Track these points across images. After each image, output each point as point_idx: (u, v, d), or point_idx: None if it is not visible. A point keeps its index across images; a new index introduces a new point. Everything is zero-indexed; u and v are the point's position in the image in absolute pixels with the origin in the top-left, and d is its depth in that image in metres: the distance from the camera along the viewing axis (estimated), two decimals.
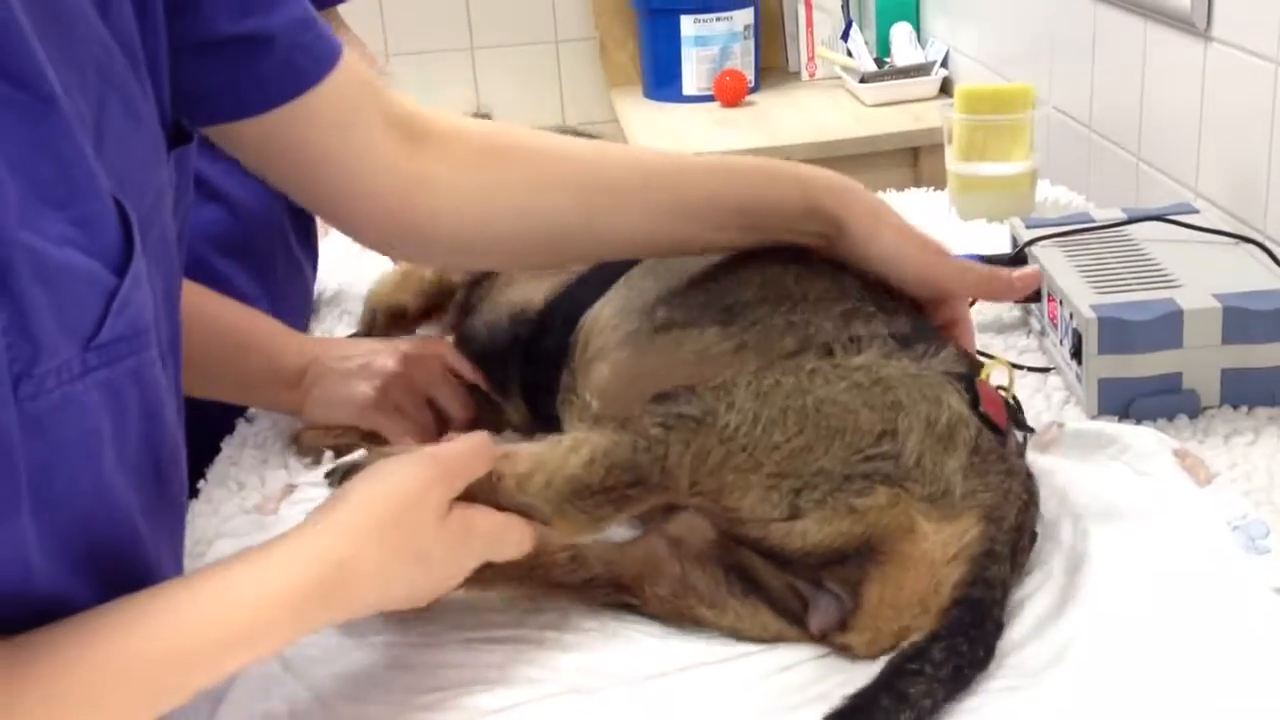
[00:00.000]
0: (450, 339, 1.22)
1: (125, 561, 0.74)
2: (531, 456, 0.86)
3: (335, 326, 1.46)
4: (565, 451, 0.85)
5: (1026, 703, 0.79)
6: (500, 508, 0.85)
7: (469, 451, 0.85)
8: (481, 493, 0.85)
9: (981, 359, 1.01)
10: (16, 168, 0.63)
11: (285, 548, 0.75)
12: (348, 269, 1.61)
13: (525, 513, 0.85)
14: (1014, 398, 1.00)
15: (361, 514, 0.77)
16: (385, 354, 1.16)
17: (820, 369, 0.87)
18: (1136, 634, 0.83)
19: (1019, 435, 0.95)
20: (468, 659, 0.88)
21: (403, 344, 1.18)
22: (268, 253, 1.35)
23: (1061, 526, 0.94)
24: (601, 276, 1.09)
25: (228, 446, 1.20)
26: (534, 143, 1.00)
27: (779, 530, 0.84)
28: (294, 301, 1.42)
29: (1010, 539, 0.86)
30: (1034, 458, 1.04)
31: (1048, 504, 0.96)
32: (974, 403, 0.89)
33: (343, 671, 0.87)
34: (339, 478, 0.89)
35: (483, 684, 0.85)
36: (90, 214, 0.67)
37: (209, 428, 1.16)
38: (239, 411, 1.25)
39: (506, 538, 0.85)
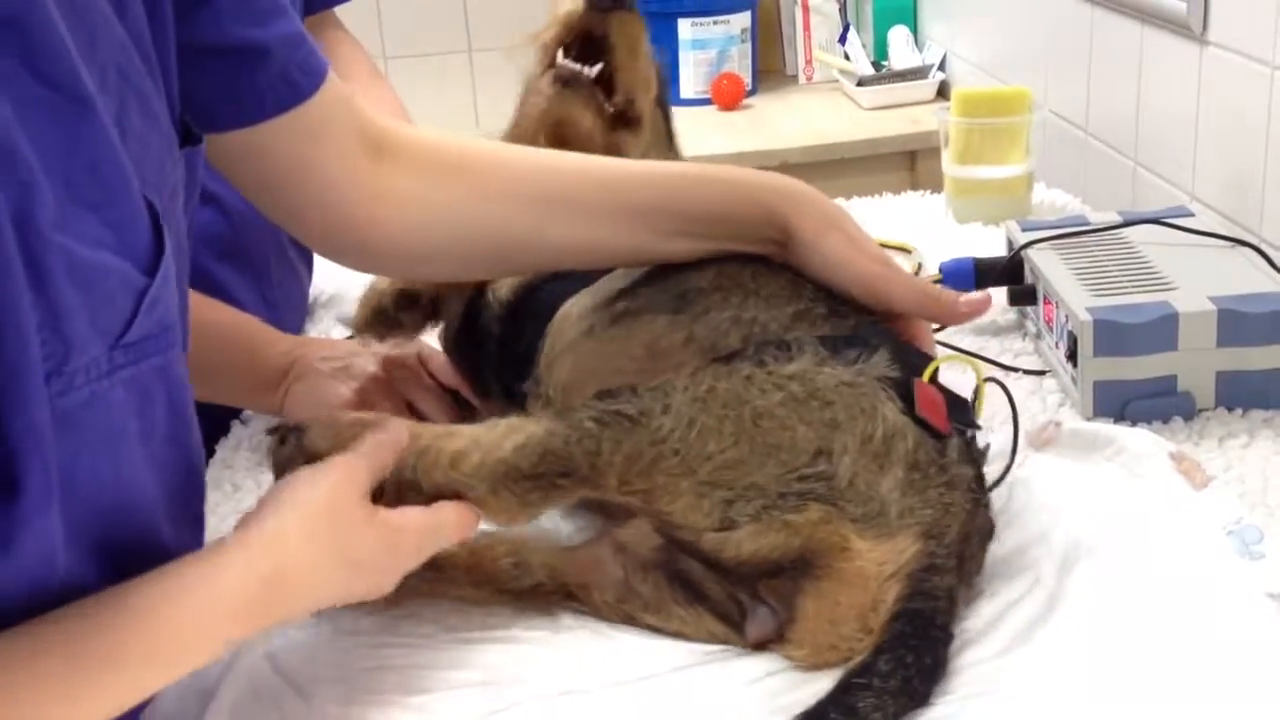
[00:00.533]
0: (437, 342, 1.21)
1: (145, 560, 0.74)
2: (468, 435, 0.87)
3: (331, 329, 1.46)
4: (500, 435, 0.86)
5: (1011, 707, 0.78)
6: (434, 485, 0.85)
7: (374, 445, 0.85)
8: (420, 469, 0.85)
9: (950, 356, 1.00)
10: (53, 170, 0.65)
11: (221, 558, 0.75)
12: (344, 271, 1.61)
13: (459, 491, 0.85)
14: (1002, 386, 0.99)
15: (289, 522, 0.78)
16: (366, 356, 1.16)
17: (755, 376, 0.87)
18: (1128, 639, 0.83)
19: (969, 433, 0.94)
20: (457, 660, 0.87)
21: (384, 346, 1.18)
22: (261, 255, 1.35)
23: (1054, 530, 0.94)
24: (573, 277, 1.09)
25: (222, 449, 1.20)
26: (489, 153, 1.02)
27: (713, 539, 0.84)
28: (289, 304, 1.42)
29: (954, 550, 0.86)
30: (1029, 457, 1.04)
31: (1040, 505, 0.96)
32: (909, 407, 0.88)
33: (332, 673, 0.86)
34: (279, 440, 0.89)
35: (473, 685, 0.85)
36: (123, 215, 0.69)
37: (203, 430, 1.16)
38: (233, 413, 1.24)
39: (441, 526, 0.85)
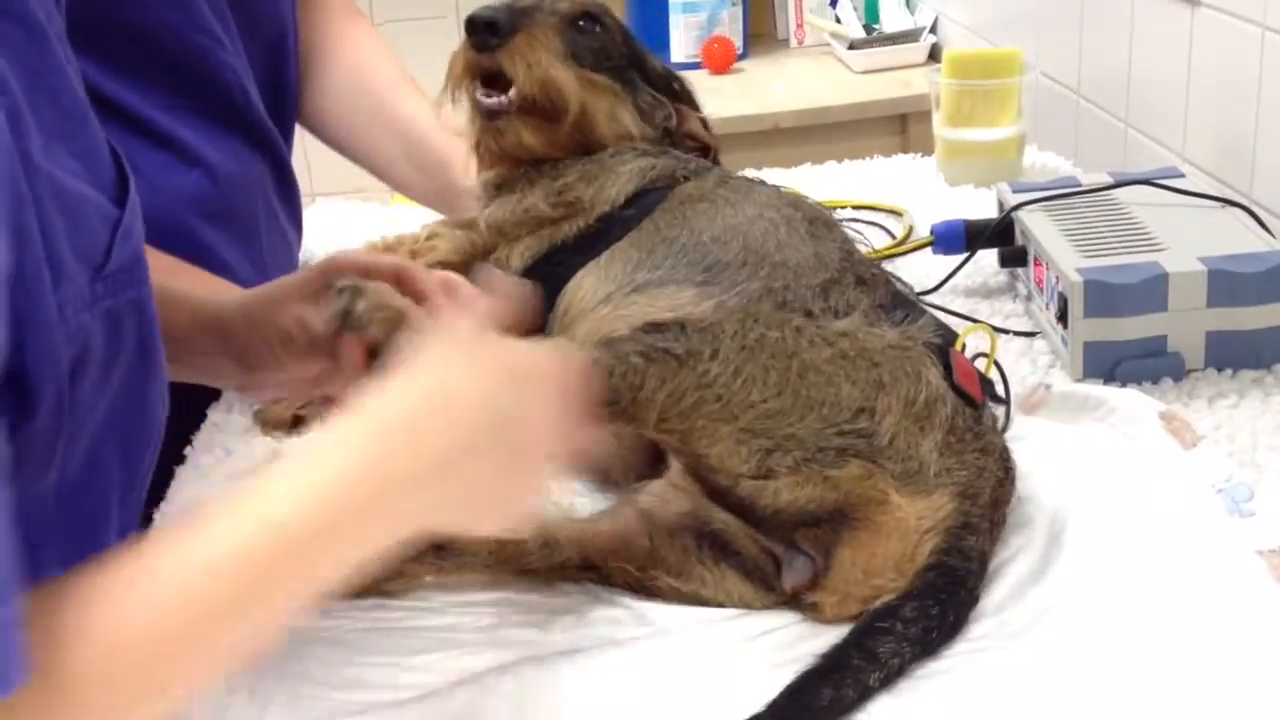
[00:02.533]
0: None
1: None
2: None
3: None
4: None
5: (1004, 663, 0.79)
6: None
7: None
8: None
9: (966, 323, 1.01)
10: (28, 100, 0.63)
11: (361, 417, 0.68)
12: (335, 235, 1.61)
13: None
14: (997, 364, 1.00)
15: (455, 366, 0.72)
16: None
17: (805, 328, 0.87)
18: (1118, 597, 0.83)
19: (996, 409, 0.95)
20: (454, 623, 0.88)
21: None
22: (250, 218, 1.34)
23: (1045, 491, 0.94)
24: (584, 246, 1.09)
25: (214, 413, 1.20)
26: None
27: (749, 486, 0.84)
28: (278, 267, 1.41)
29: (986, 514, 0.87)
30: (1020, 420, 1.04)
31: (1033, 466, 0.97)
32: (947, 374, 0.89)
33: (332, 636, 0.87)
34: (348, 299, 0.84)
35: (472, 647, 0.85)
36: (88, 147, 0.69)
37: (195, 394, 1.16)
38: None
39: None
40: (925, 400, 0.86)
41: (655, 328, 0.87)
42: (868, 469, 0.84)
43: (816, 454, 0.84)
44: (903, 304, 0.94)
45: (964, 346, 0.94)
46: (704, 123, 1.27)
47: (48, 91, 0.66)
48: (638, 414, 0.84)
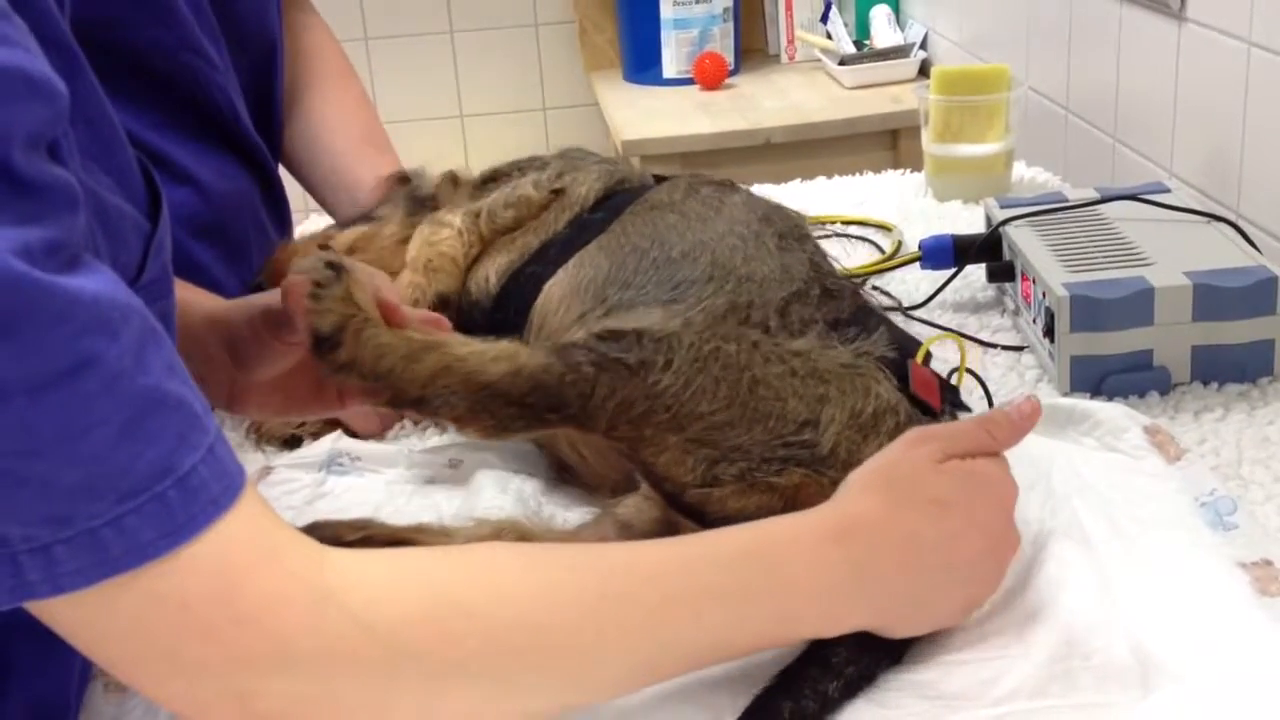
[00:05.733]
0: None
1: None
2: (454, 354, 0.83)
3: None
4: (489, 359, 0.84)
5: (986, 674, 0.79)
6: (410, 396, 0.82)
7: (966, 426, 0.85)
8: (398, 373, 0.82)
9: (940, 334, 1.01)
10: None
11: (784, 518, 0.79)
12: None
13: (435, 405, 0.83)
14: (977, 376, 1.00)
15: (852, 481, 0.81)
16: None
17: (762, 343, 0.88)
18: (1101, 610, 0.83)
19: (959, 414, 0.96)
20: None
21: None
22: (240, 236, 1.34)
23: (1030, 502, 0.94)
24: (555, 254, 1.09)
25: None
26: None
27: (696, 494, 0.85)
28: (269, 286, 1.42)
29: None
30: None
31: (1017, 479, 0.97)
32: (904, 385, 0.89)
33: None
34: (328, 273, 0.82)
35: None
36: (122, 164, 0.70)
37: None
38: None
39: (1007, 481, 0.84)
40: (872, 413, 0.87)
41: (612, 334, 0.87)
42: (808, 476, 0.84)
43: (761, 464, 0.85)
44: (865, 316, 0.94)
45: (928, 356, 0.94)
46: None
47: (83, 114, 0.67)
48: (586, 421, 0.84)
